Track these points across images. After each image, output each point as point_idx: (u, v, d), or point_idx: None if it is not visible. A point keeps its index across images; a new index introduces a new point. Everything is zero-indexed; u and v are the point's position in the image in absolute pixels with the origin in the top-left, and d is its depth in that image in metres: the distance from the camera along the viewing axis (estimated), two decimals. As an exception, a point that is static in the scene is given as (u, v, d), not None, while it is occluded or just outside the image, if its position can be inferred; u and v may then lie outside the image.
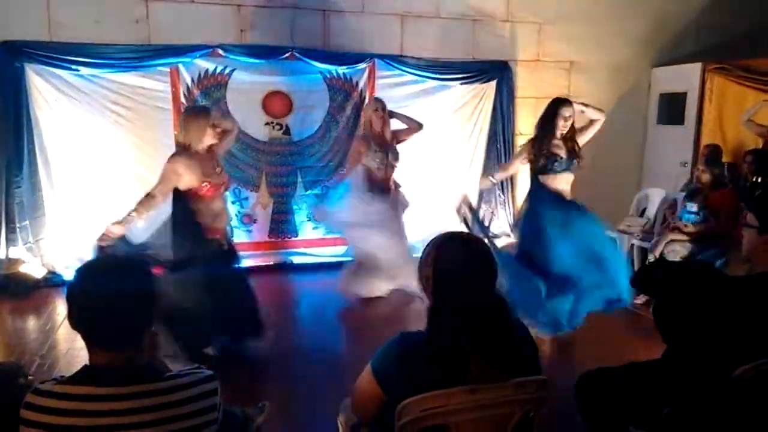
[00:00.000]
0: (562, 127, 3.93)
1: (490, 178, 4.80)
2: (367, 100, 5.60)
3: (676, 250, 4.56)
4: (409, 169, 5.84)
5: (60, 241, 5.19)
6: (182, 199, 3.42)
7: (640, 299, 4.75)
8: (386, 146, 4.76)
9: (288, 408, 3.03)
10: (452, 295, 1.63)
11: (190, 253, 3.33)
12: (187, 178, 3.39)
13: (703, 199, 4.61)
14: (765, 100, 5.75)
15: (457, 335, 1.57)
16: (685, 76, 6.49)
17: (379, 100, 4.90)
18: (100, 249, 3.18)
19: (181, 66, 5.29)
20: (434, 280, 1.68)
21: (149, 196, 3.37)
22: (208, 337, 3.52)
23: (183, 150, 3.45)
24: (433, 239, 1.75)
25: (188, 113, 3.69)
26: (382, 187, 4.76)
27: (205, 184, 3.43)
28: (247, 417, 1.83)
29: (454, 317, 1.60)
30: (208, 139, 3.50)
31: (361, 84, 5.81)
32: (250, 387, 3.28)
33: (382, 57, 5.77)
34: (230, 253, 3.72)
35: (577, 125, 4.06)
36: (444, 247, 1.71)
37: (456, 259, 1.67)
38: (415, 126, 4.94)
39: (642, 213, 5.81)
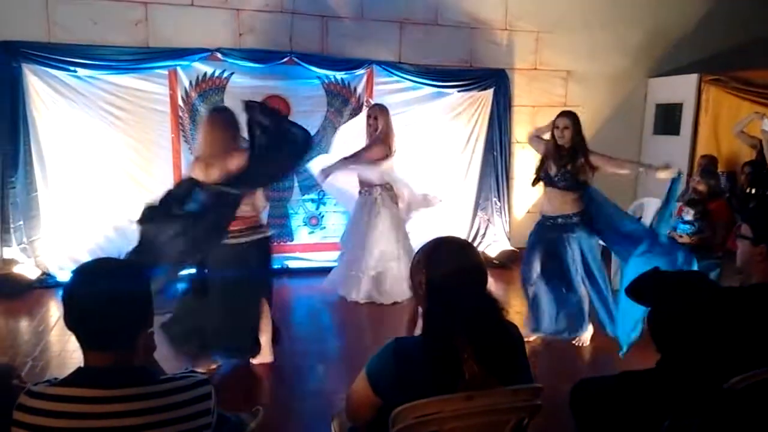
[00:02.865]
0: (558, 137, 3.93)
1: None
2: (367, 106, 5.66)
3: (671, 260, 4.56)
4: (405, 175, 5.86)
5: (54, 243, 5.17)
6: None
7: (635, 308, 4.75)
8: None
9: (282, 413, 3.02)
10: (446, 299, 1.64)
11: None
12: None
13: (700, 210, 4.63)
14: (756, 112, 5.79)
15: (451, 339, 1.58)
16: (681, 87, 6.53)
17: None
18: None
19: (179, 69, 5.29)
20: (428, 284, 1.69)
21: None
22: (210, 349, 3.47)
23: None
24: (424, 245, 1.76)
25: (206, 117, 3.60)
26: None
27: None
28: (240, 422, 1.82)
29: (449, 321, 1.61)
30: None
31: (359, 90, 5.82)
32: (244, 392, 3.27)
33: (380, 63, 5.79)
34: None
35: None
36: (436, 252, 1.72)
37: (448, 263, 1.69)
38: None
39: (637, 222, 5.82)
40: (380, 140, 4.91)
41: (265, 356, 3.59)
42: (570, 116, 3.94)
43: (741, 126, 5.77)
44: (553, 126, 3.97)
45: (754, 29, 6.86)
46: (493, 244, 6.39)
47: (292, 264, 5.84)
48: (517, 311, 4.55)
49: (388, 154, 4.93)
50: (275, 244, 5.71)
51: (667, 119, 6.78)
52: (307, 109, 5.70)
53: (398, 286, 4.81)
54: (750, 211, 4.95)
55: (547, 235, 4.03)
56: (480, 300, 1.66)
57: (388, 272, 4.91)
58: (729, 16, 6.83)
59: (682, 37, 6.86)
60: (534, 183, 4.13)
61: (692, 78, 6.44)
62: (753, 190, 5.30)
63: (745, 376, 1.75)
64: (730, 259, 3.77)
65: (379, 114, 4.97)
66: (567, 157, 3.90)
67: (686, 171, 6.43)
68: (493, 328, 1.65)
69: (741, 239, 2.25)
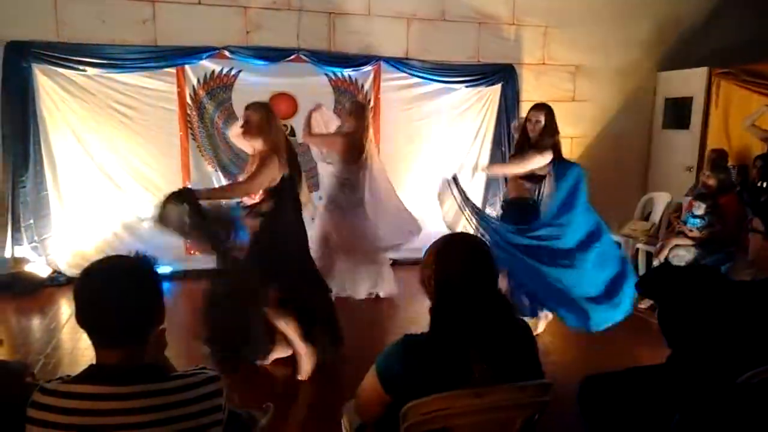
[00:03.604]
0: (530, 130, 3.92)
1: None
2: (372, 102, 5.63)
3: (681, 254, 4.54)
4: (413, 171, 5.86)
5: (65, 241, 5.21)
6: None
7: (645, 304, 4.74)
8: None
9: (292, 410, 3.03)
10: (454, 296, 1.64)
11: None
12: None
13: (711, 204, 4.60)
14: (766, 105, 5.73)
15: (460, 336, 1.58)
16: (691, 81, 6.48)
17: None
18: None
19: (187, 67, 5.31)
20: (436, 281, 1.69)
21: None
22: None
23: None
24: (434, 241, 1.76)
25: (269, 110, 3.52)
26: None
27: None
28: (251, 418, 1.83)
29: (457, 318, 1.61)
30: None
31: (367, 86, 5.82)
32: (254, 389, 3.28)
33: (387, 59, 5.78)
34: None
35: None
36: (445, 248, 1.72)
37: (457, 260, 1.69)
38: None
39: (647, 217, 5.80)
40: (342, 135, 4.59)
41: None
42: (544, 110, 3.91)
43: (752, 119, 5.71)
44: (526, 118, 3.98)
45: (764, 22, 6.79)
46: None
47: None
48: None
49: (352, 153, 4.53)
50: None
51: (677, 113, 6.72)
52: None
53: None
54: (761, 204, 4.91)
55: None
56: (489, 298, 1.66)
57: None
58: (738, 8, 6.76)
59: (691, 31, 6.80)
60: None
61: (702, 71, 6.38)
62: (764, 184, 5.25)
63: (758, 371, 1.74)
64: (742, 253, 3.76)
65: (353, 111, 4.66)
66: (530, 146, 3.92)
67: (696, 165, 6.40)
68: (502, 326, 1.65)
69: (753, 233, 2.24)
